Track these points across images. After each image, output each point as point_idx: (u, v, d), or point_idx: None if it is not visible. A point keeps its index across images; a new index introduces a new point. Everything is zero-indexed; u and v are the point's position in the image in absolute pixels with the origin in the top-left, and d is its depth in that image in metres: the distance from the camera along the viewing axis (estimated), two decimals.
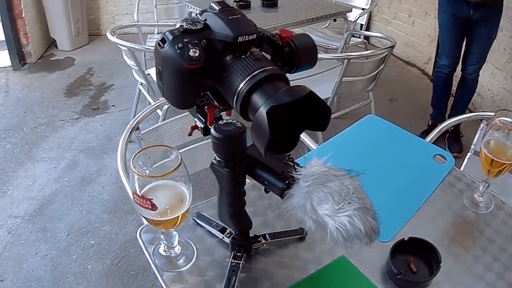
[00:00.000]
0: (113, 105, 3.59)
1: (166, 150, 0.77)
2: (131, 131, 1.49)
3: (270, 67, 0.60)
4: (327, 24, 3.92)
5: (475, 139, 1.67)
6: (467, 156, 1.68)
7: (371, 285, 0.88)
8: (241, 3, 2.97)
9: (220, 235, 0.94)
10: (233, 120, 0.72)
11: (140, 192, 0.74)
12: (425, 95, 3.67)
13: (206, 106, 0.70)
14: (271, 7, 3.08)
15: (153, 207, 0.73)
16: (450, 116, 3.28)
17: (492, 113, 1.10)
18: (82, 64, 4.24)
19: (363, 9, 3.75)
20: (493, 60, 3.21)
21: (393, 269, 0.86)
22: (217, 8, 0.63)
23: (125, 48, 2.40)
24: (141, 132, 1.55)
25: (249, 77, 0.59)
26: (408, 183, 1.20)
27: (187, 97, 0.65)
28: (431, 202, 1.11)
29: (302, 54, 0.67)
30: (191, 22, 0.62)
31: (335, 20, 3.39)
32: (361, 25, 4.01)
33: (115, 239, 2.31)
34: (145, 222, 0.87)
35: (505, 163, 0.99)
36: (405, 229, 1.00)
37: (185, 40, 0.60)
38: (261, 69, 0.59)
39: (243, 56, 0.61)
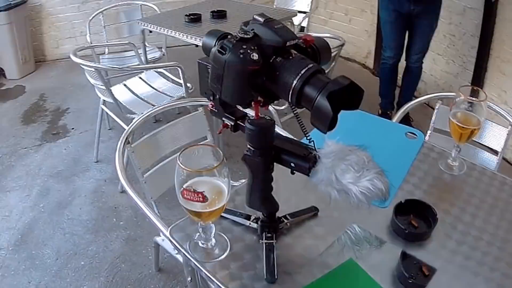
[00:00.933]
0: (72, 128, 3.60)
1: (208, 149, 0.89)
2: (124, 142, 1.55)
3: (312, 64, 0.74)
4: None
5: (433, 117, 1.88)
6: (428, 134, 1.89)
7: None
8: (192, 17, 3.08)
9: (247, 222, 1.06)
10: (264, 115, 0.86)
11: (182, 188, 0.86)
12: (369, 87, 3.90)
13: (253, 102, 0.83)
14: (221, 18, 3.20)
15: (204, 199, 0.85)
16: (398, 104, 3.52)
17: (451, 93, 1.30)
18: (33, 91, 4.21)
19: (305, 12, 3.94)
20: (433, 47, 3.47)
21: (400, 226, 1.02)
22: (261, 19, 0.77)
23: (92, 69, 2.46)
24: (132, 145, 1.62)
25: (300, 75, 0.73)
26: (390, 159, 1.35)
27: (246, 94, 0.78)
28: (412, 171, 1.29)
29: (322, 54, 0.83)
30: (243, 33, 0.75)
31: None
32: (302, 27, 4.21)
33: (104, 257, 2.35)
34: (189, 215, 0.96)
35: (473, 128, 1.19)
36: (397, 197, 1.17)
37: (244, 47, 0.73)
38: (307, 67, 0.74)
39: (290, 57, 0.76)
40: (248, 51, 0.73)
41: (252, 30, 0.77)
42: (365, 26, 4.53)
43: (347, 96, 0.71)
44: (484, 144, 1.92)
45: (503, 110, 1.78)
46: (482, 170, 1.31)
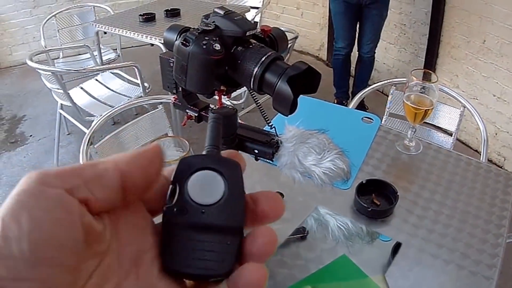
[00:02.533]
0: (30, 135, 3.52)
1: (174, 140, 0.91)
2: (87, 145, 1.55)
3: (271, 52, 0.77)
4: None
5: (388, 103, 1.94)
6: (383, 119, 1.95)
7: (372, 284, 0.97)
8: (146, 16, 3.06)
9: None
10: (226, 105, 0.88)
11: None
12: (324, 79, 3.89)
13: (216, 91, 0.85)
14: (175, 16, 3.20)
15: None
16: (352, 94, 3.60)
17: (404, 79, 1.36)
18: None
19: (257, 7, 3.98)
20: (385, 37, 3.56)
21: (363, 205, 1.06)
22: (221, 12, 0.79)
23: (49, 73, 2.42)
24: (95, 146, 1.62)
25: (260, 62, 0.75)
26: (348, 143, 1.39)
27: (210, 83, 0.80)
28: (371, 154, 1.33)
29: (280, 43, 0.85)
30: (205, 25, 0.77)
31: None
32: (255, 23, 4.22)
33: None
34: None
35: (427, 109, 1.24)
36: (358, 178, 1.21)
37: (206, 38, 0.75)
38: (267, 55, 0.76)
39: (250, 46, 0.78)
40: (211, 41, 0.75)
41: (213, 22, 0.79)
42: (317, 19, 4.59)
43: (305, 80, 0.74)
44: (439, 126, 2.00)
45: (455, 93, 1.86)
46: (438, 148, 1.37)
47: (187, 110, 0.91)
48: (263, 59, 0.75)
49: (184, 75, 0.78)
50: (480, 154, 1.74)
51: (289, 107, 0.71)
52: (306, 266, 1.01)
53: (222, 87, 0.84)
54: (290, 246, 1.06)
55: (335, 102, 3.63)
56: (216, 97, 0.89)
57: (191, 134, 3.24)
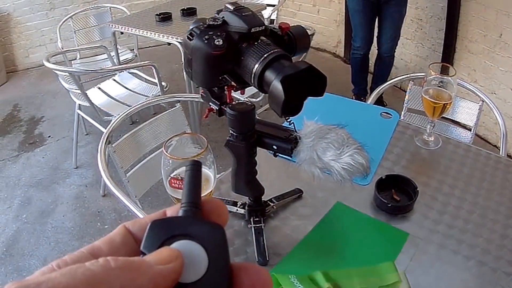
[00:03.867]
0: (49, 136, 3.56)
1: (192, 138, 0.91)
2: (105, 143, 1.56)
3: (277, 50, 0.76)
4: None
5: (406, 98, 1.93)
6: (402, 114, 1.94)
7: (369, 218, 1.07)
8: (162, 16, 3.08)
9: (234, 208, 1.08)
10: (244, 100, 0.88)
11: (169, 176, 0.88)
12: (342, 75, 3.96)
13: (226, 87, 0.86)
14: (191, 15, 3.21)
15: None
16: (371, 91, 3.58)
17: (422, 73, 1.35)
18: (6, 102, 4.14)
19: (273, 5, 3.97)
20: (402, 32, 3.52)
21: (383, 200, 1.05)
22: (231, 7, 0.79)
23: (67, 74, 2.45)
24: (113, 145, 1.63)
25: (262, 59, 0.75)
26: (367, 138, 1.39)
27: (212, 78, 0.80)
28: (390, 149, 1.33)
29: (299, 41, 0.85)
30: (212, 20, 0.77)
31: None
32: (271, 20, 4.24)
33: None
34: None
35: (445, 103, 1.23)
36: (377, 174, 1.20)
37: (210, 33, 0.76)
38: (270, 52, 0.75)
39: (255, 43, 0.77)
40: (214, 36, 0.75)
41: (222, 17, 0.79)
42: (334, 16, 4.58)
43: (311, 82, 0.72)
44: (457, 121, 1.98)
45: (473, 87, 1.84)
46: (457, 143, 1.36)
47: (210, 103, 0.92)
48: (265, 55, 0.74)
49: (190, 68, 0.79)
50: (499, 149, 1.72)
51: (282, 108, 0.70)
52: (309, 217, 1.09)
53: (232, 83, 0.84)
54: (290, 205, 1.13)
55: (353, 98, 3.61)
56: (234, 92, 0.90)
57: (209, 132, 3.26)
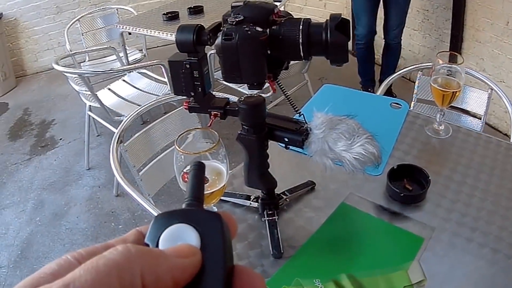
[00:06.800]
0: (60, 139, 3.60)
1: (204, 132, 0.92)
2: (117, 143, 1.57)
3: (303, 18, 0.79)
4: None
5: (415, 88, 1.92)
6: (412, 104, 1.93)
7: (373, 218, 1.06)
8: (169, 15, 3.09)
9: (247, 202, 1.09)
10: (253, 94, 0.89)
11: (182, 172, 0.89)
12: (349, 68, 3.94)
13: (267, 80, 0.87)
14: (198, 13, 3.22)
15: (206, 180, 0.88)
16: (380, 82, 3.57)
17: (430, 63, 1.35)
18: (16, 107, 4.18)
19: (280, 1, 3.97)
20: (409, 23, 3.52)
21: (395, 190, 1.06)
22: (241, 3, 0.81)
23: (76, 76, 2.47)
24: (125, 144, 1.64)
25: (301, 28, 0.78)
26: (378, 129, 1.40)
27: (264, 68, 0.81)
28: (401, 139, 1.33)
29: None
30: (233, 18, 0.78)
31: None
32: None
33: None
34: None
35: (455, 91, 1.23)
36: (389, 164, 1.20)
37: (244, 26, 0.77)
38: (301, 21, 0.79)
39: (282, 21, 0.80)
40: (250, 26, 0.77)
41: (238, 14, 0.80)
42: (340, 9, 4.57)
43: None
44: (467, 110, 1.97)
45: (482, 76, 1.83)
46: (467, 131, 1.36)
47: (210, 110, 0.93)
48: (300, 27, 0.78)
49: (237, 70, 0.79)
50: (510, 137, 1.72)
51: (347, 52, 0.77)
52: (322, 209, 1.10)
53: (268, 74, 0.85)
54: (303, 198, 1.13)
55: (361, 90, 3.60)
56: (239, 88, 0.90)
57: (220, 129, 3.25)
